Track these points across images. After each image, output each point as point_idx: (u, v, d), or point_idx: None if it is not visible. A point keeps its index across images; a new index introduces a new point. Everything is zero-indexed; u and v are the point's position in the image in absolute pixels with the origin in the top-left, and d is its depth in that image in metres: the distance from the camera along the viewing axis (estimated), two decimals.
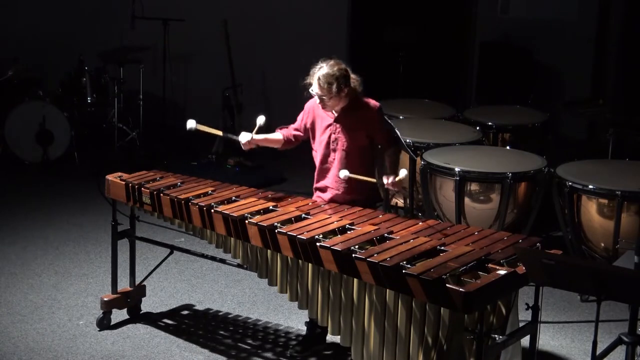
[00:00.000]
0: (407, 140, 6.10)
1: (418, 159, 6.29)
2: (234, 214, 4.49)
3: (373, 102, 4.80)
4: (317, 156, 4.90)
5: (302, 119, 4.96)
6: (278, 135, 5.00)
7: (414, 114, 7.29)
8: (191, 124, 4.88)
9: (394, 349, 3.86)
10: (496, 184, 5.88)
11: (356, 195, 4.79)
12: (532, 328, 4.03)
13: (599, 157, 6.67)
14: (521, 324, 4.03)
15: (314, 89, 4.67)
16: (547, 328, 5.35)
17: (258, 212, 4.55)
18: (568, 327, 5.43)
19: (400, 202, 7.27)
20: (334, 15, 9.90)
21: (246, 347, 5.07)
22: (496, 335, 3.77)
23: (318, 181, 4.93)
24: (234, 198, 4.80)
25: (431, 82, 9.57)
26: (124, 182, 5.12)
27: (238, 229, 4.50)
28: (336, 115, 4.77)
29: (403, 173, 4.52)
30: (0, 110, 8.36)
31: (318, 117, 4.85)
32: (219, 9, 9.40)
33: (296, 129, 4.98)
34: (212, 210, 4.63)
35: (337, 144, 4.78)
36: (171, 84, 9.18)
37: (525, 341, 4.08)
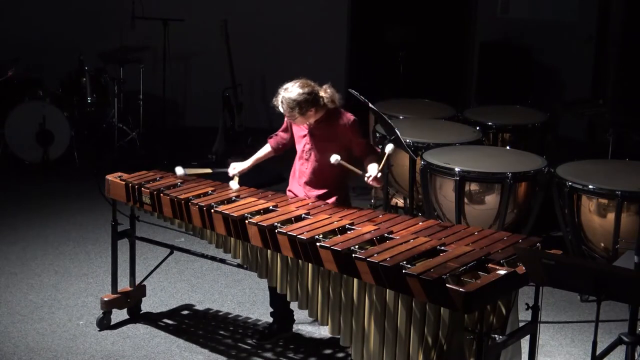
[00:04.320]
0: (407, 140, 6.10)
1: (418, 159, 6.29)
2: (234, 214, 4.49)
3: (348, 116, 4.78)
4: (295, 162, 4.95)
5: (286, 122, 4.97)
6: (267, 148, 5.06)
7: (414, 114, 7.28)
8: (179, 170, 5.04)
9: (394, 349, 3.86)
10: (496, 184, 5.87)
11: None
12: (532, 328, 4.03)
13: (599, 157, 6.66)
14: (521, 324, 4.03)
15: (280, 109, 4.69)
16: (547, 328, 5.35)
17: (258, 212, 4.55)
18: (568, 327, 5.43)
19: (400, 202, 7.28)
20: (334, 15, 9.90)
21: (246, 347, 5.07)
22: (496, 335, 3.76)
23: (291, 185, 4.98)
24: (234, 198, 4.80)
25: (431, 82, 9.57)
26: (124, 182, 5.11)
27: (238, 229, 4.50)
28: (310, 127, 4.79)
29: (389, 148, 4.58)
30: (0, 110, 8.36)
31: (295, 126, 4.89)
32: (219, 9, 9.40)
33: (284, 132, 5.00)
34: (212, 210, 4.63)
35: (310, 154, 4.82)
36: (171, 83, 9.18)
37: (525, 341, 4.08)
